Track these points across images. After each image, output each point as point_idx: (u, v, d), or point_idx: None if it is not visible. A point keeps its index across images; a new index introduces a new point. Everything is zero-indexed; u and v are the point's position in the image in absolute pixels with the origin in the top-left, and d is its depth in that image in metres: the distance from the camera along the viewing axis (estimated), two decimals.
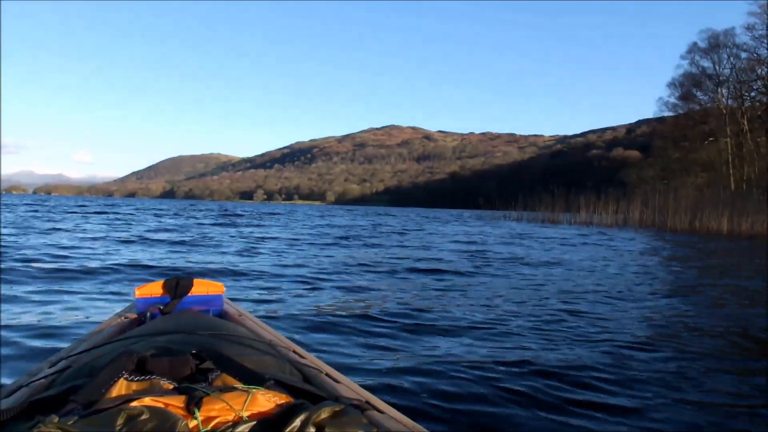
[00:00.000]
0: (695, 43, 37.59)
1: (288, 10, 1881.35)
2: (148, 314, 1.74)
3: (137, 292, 1.86)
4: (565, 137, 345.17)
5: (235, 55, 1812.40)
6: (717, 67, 36.82)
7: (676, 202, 23.36)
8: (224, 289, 1.99)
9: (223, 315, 1.89)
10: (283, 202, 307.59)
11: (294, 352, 1.40)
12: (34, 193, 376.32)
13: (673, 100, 39.10)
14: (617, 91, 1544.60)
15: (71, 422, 0.75)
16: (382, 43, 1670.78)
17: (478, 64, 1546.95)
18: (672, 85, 38.79)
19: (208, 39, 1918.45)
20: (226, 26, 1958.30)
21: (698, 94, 38.04)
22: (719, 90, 36.79)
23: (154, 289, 1.86)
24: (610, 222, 27.72)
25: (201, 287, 1.91)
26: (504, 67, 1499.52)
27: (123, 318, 1.78)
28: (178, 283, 1.87)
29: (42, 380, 1.13)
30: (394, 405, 1.12)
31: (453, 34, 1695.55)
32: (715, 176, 31.79)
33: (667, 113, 40.25)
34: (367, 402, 1.06)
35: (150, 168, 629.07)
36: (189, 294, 1.87)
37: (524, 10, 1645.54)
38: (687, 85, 38.21)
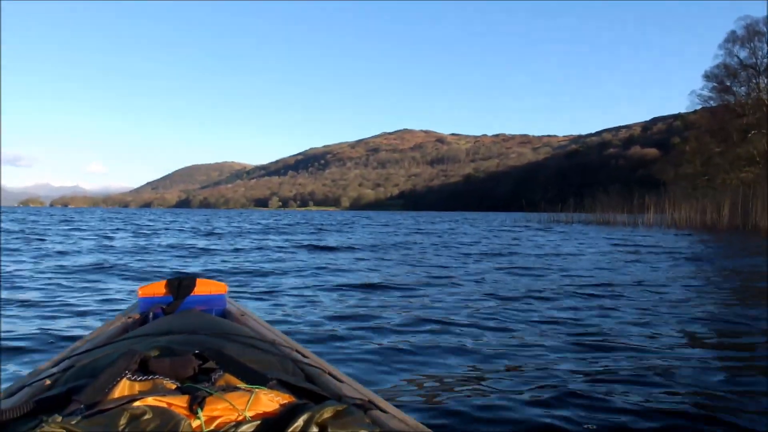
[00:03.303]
0: (733, 32, 35.93)
1: (300, 17, 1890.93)
2: (151, 314, 1.74)
3: (140, 292, 1.85)
4: (579, 137, 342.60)
5: (247, 63, 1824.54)
6: (756, 57, 35.25)
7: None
8: (227, 288, 1.99)
9: (225, 315, 1.88)
10: (298, 208, 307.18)
11: (297, 351, 1.40)
12: (51, 205, 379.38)
13: (706, 92, 37.47)
14: (631, 89, 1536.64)
15: (74, 422, 0.74)
16: (393, 48, 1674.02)
17: (490, 66, 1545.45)
18: (707, 76, 37.14)
19: (221, 47, 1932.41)
20: (239, 34, 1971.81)
21: (735, 85, 36.42)
22: (759, 80, 35.18)
23: (157, 289, 1.86)
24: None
25: (204, 287, 1.91)
26: (516, 67, 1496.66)
27: (126, 318, 1.77)
28: (180, 283, 1.87)
29: (45, 380, 1.13)
30: (396, 404, 1.10)
31: (464, 36, 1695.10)
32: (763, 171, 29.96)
33: (699, 106, 38.55)
34: (370, 401, 1.05)
35: (165, 178, 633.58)
36: (192, 294, 1.87)
37: (535, 10, 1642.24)
38: (721, 77, 36.62)
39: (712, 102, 37.43)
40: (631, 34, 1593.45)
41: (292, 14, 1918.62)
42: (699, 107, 39.36)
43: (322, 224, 31.65)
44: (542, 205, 33.69)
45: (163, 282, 1.88)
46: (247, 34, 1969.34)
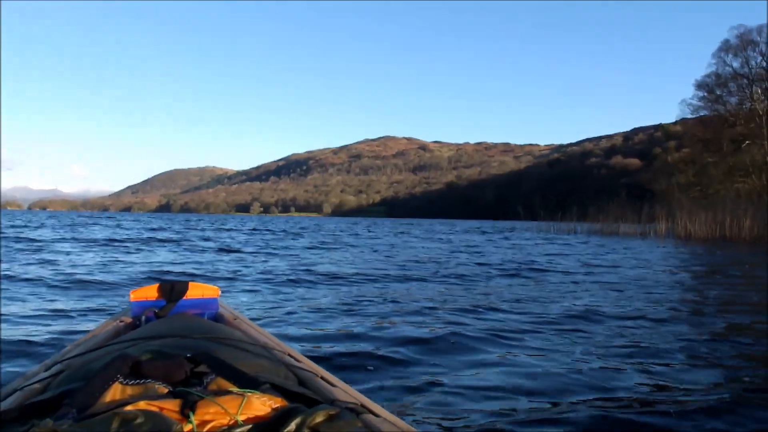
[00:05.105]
0: (726, 41, 35.63)
1: (282, 22, 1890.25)
2: (143, 318, 1.73)
3: (132, 296, 1.84)
4: (561, 146, 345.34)
5: (228, 67, 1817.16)
6: (749, 66, 34.99)
7: None
8: (219, 292, 1.98)
9: (218, 318, 1.87)
10: (279, 214, 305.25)
11: (289, 355, 1.39)
12: (29, 208, 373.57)
13: (695, 101, 37.22)
14: (611, 99, 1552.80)
15: (66, 426, 0.74)
16: (376, 54, 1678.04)
17: (472, 74, 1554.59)
18: (698, 86, 36.91)
19: (202, 51, 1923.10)
20: (220, 39, 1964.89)
21: (725, 94, 36.16)
22: (752, 90, 34.92)
23: (149, 292, 1.85)
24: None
25: (196, 290, 1.90)
26: (497, 76, 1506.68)
27: (118, 321, 1.76)
28: (173, 286, 1.87)
29: (37, 384, 1.12)
30: (389, 409, 1.10)
31: (446, 44, 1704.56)
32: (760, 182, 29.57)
33: (690, 115, 38.28)
34: (363, 405, 1.05)
35: (145, 182, 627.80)
36: (184, 297, 1.87)
37: (516, 19, 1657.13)
38: (712, 86, 36.40)
39: (704, 111, 37.22)
40: (610, 45, 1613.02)
41: (273, 18, 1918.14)
42: (685, 117, 39.30)
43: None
44: (541, 213, 32.93)
45: (156, 285, 1.87)
46: (228, 38, 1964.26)
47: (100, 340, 1.48)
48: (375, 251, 14.00)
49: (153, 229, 24.63)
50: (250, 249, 13.92)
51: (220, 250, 13.44)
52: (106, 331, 1.63)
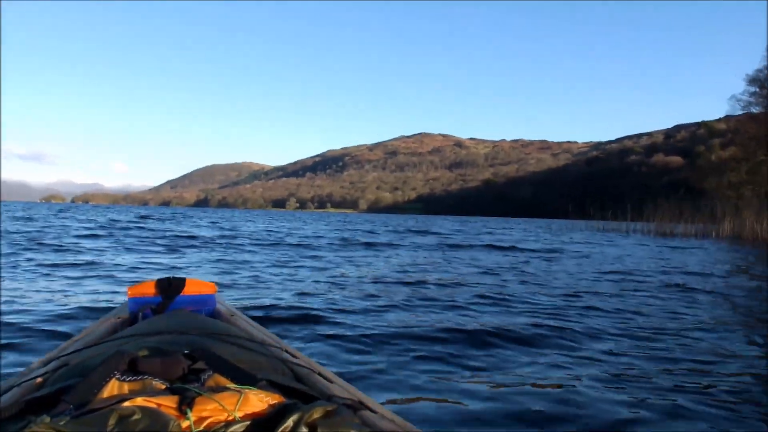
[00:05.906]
0: None
1: (320, 19, 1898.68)
2: (140, 314, 1.73)
3: (129, 292, 1.85)
4: (600, 143, 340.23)
5: (267, 65, 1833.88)
6: None
7: None
8: (216, 288, 1.98)
9: (215, 315, 1.88)
10: (315, 210, 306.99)
11: (286, 351, 1.40)
12: (72, 202, 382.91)
13: (746, 97, 35.79)
14: (651, 96, 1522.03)
15: (63, 422, 0.74)
16: (413, 51, 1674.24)
17: (509, 71, 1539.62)
18: (750, 80, 35.38)
19: (242, 49, 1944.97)
20: (260, 36, 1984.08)
21: None
22: None
23: (147, 289, 1.86)
24: None
25: (193, 287, 1.91)
26: (535, 72, 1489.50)
27: (115, 318, 1.76)
28: (170, 283, 1.87)
29: (34, 380, 1.12)
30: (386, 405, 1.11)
31: (484, 41, 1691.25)
32: None
33: (740, 111, 36.89)
34: (360, 402, 1.05)
35: (184, 177, 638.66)
36: (181, 294, 1.87)
37: (555, 15, 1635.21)
38: (764, 80, 34.93)
39: (756, 107, 35.78)
40: (651, 42, 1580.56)
41: (313, 16, 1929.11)
42: (732, 114, 37.99)
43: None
44: (591, 212, 32.68)
45: (153, 282, 1.87)
46: (267, 36, 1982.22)
47: (97, 337, 1.48)
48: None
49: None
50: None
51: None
52: (104, 328, 1.63)
